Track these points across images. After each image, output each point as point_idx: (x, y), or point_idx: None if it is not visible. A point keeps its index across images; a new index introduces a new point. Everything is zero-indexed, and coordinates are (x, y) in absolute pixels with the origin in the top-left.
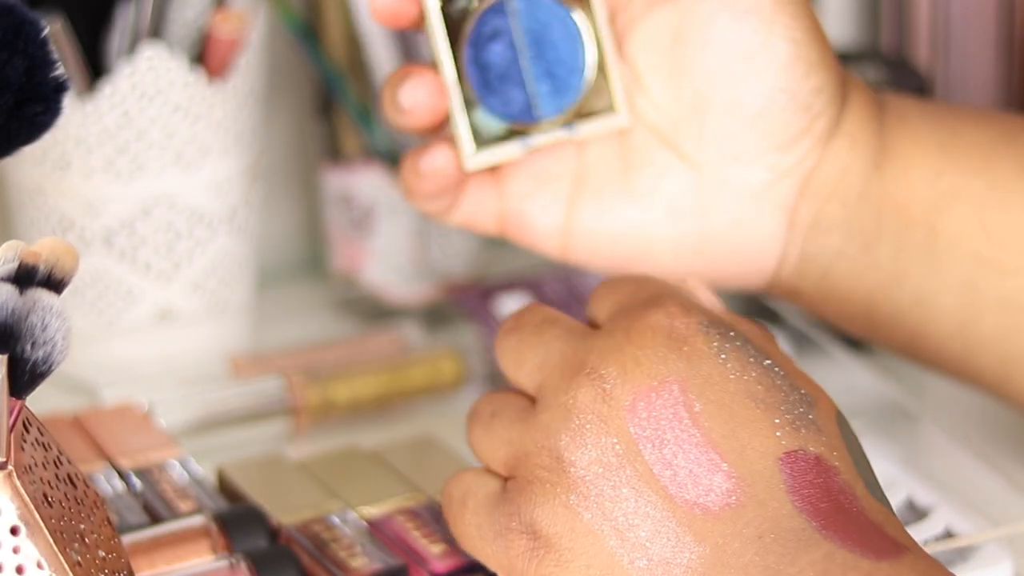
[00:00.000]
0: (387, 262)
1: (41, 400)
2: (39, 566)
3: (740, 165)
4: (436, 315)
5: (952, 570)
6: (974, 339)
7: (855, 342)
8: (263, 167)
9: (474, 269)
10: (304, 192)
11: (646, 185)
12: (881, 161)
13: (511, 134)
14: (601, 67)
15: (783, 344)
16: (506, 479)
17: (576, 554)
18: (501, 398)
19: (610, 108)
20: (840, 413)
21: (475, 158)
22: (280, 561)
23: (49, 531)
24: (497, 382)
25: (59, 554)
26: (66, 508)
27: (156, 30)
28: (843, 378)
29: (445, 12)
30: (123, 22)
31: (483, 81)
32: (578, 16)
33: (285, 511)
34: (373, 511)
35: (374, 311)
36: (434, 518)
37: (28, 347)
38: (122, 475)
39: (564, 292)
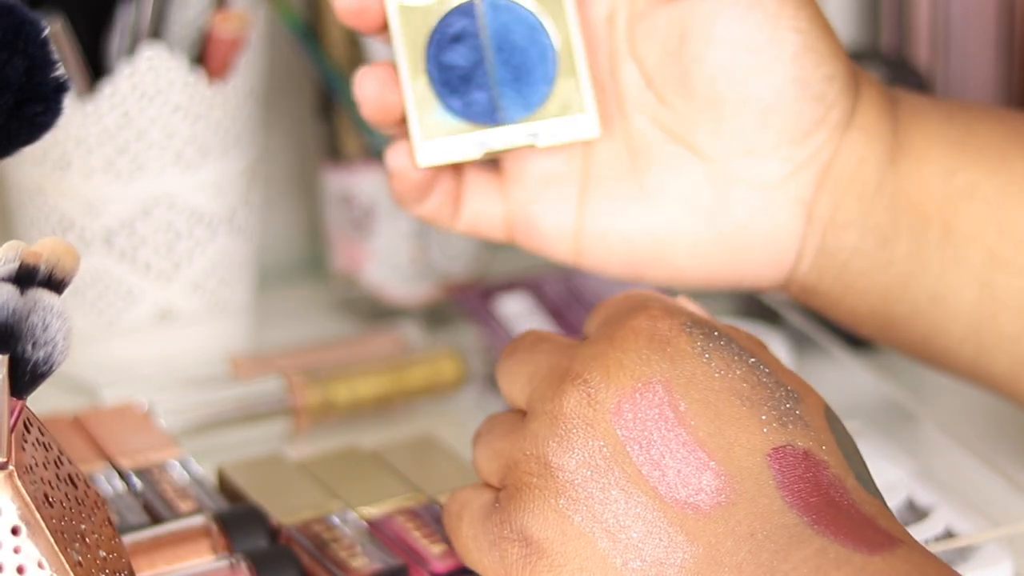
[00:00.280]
0: (387, 262)
1: (41, 400)
2: (40, 566)
3: (756, 158)
4: (436, 315)
5: None
6: (989, 339)
7: (855, 342)
8: (263, 167)
9: (474, 269)
10: (304, 192)
11: (660, 183)
12: (896, 156)
13: (470, 134)
14: (571, 75)
15: (783, 344)
16: (499, 490)
17: (568, 558)
18: (498, 416)
19: (580, 118)
20: (829, 408)
21: (427, 155)
22: (280, 561)
23: (50, 531)
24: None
25: (60, 554)
26: (67, 508)
27: (156, 30)
28: (843, 378)
29: (409, 10)
30: (123, 22)
31: (445, 81)
32: (548, 23)
33: (285, 511)
34: (373, 511)
35: (374, 311)
36: (434, 518)
37: (29, 347)
38: (122, 475)
39: (564, 292)
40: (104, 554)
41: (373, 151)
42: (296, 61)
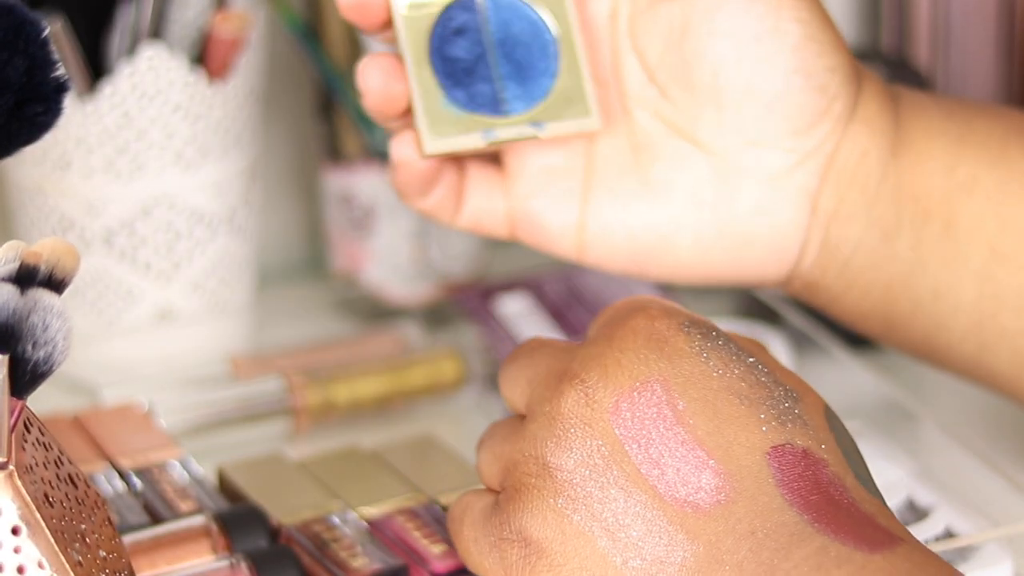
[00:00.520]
0: (387, 262)
1: (41, 400)
2: (40, 566)
3: (760, 150)
4: (436, 315)
5: None
6: (989, 336)
7: (855, 342)
8: (263, 167)
9: (474, 269)
10: (304, 192)
11: (663, 176)
12: (898, 149)
13: (475, 124)
14: (572, 70)
15: (783, 344)
16: (500, 493)
17: (568, 557)
18: (500, 421)
19: (581, 111)
20: (828, 407)
21: (432, 143)
22: (280, 561)
23: (50, 531)
24: (497, 382)
25: (60, 554)
26: (67, 508)
27: (156, 30)
28: (843, 378)
29: (413, 6)
30: (123, 22)
31: (448, 72)
32: (548, 17)
33: (285, 511)
34: (373, 511)
35: (374, 311)
36: (434, 518)
37: (29, 347)
38: (123, 475)
39: (564, 292)
40: (104, 554)
41: (373, 151)
42: (296, 61)
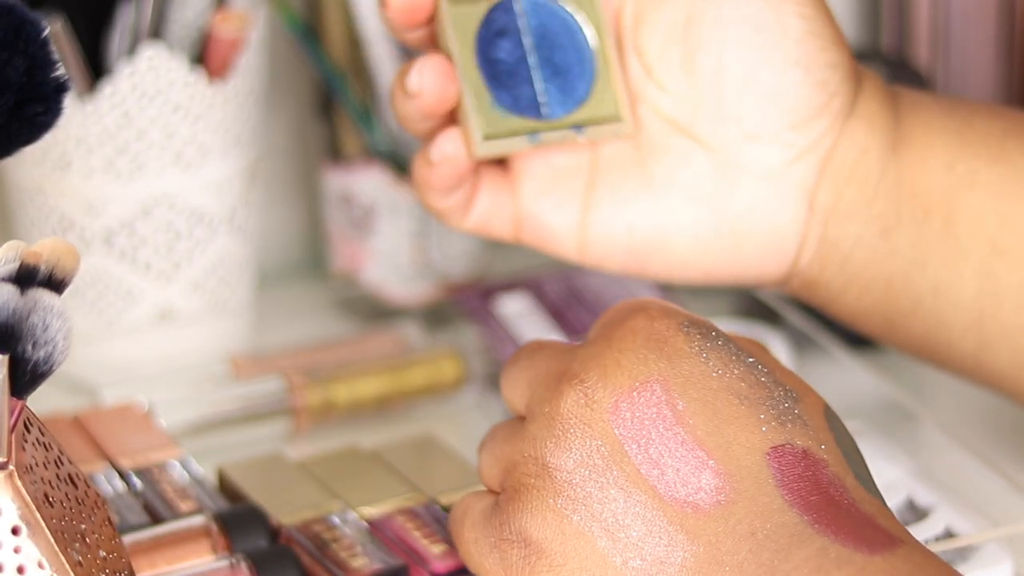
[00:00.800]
0: (387, 262)
1: (41, 400)
2: (40, 566)
3: (758, 145)
4: (436, 315)
5: None
6: (990, 333)
7: (855, 342)
8: (263, 167)
9: (474, 269)
10: (304, 192)
11: (663, 174)
12: (898, 146)
13: (521, 127)
14: (606, 75)
15: (783, 344)
16: (500, 494)
17: (568, 557)
18: (500, 424)
19: (614, 116)
20: (828, 407)
21: (484, 146)
22: (280, 561)
23: (50, 531)
24: (497, 382)
25: (60, 554)
26: (67, 508)
27: (156, 30)
28: (843, 378)
29: (456, 3)
30: (123, 22)
31: (492, 75)
32: (584, 23)
33: (285, 511)
34: (373, 511)
35: (374, 311)
36: (434, 518)
37: (29, 347)
38: (123, 475)
39: (564, 292)
40: (104, 554)
41: (373, 151)
42: (296, 61)
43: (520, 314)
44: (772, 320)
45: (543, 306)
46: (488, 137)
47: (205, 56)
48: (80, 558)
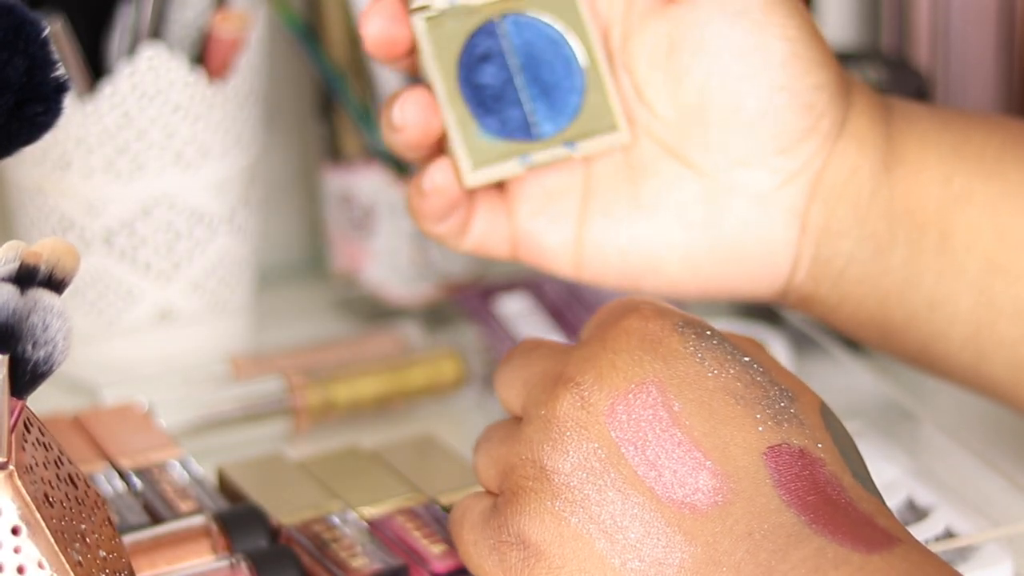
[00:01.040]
0: (387, 262)
1: (41, 400)
2: (40, 566)
3: (747, 169)
4: (436, 315)
5: None
6: (988, 345)
7: (855, 342)
8: (263, 167)
9: (474, 269)
10: (304, 192)
11: (654, 196)
12: (890, 162)
13: (511, 151)
14: (597, 85)
15: (783, 344)
16: (498, 496)
17: (567, 559)
18: (496, 424)
19: (610, 125)
20: (825, 405)
21: (474, 175)
22: (280, 561)
23: (50, 531)
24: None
25: (60, 554)
26: (67, 508)
27: (156, 30)
28: (843, 378)
29: (435, 33)
30: (123, 22)
31: (478, 100)
32: (570, 36)
33: (285, 511)
34: (373, 511)
35: (374, 311)
36: (434, 518)
37: (29, 347)
38: (122, 475)
39: (564, 292)
40: (104, 554)
41: (373, 151)
42: (296, 61)
43: (520, 314)
44: (772, 320)
45: (543, 306)
46: (477, 166)
47: (205, 56)
48: (80, 558)
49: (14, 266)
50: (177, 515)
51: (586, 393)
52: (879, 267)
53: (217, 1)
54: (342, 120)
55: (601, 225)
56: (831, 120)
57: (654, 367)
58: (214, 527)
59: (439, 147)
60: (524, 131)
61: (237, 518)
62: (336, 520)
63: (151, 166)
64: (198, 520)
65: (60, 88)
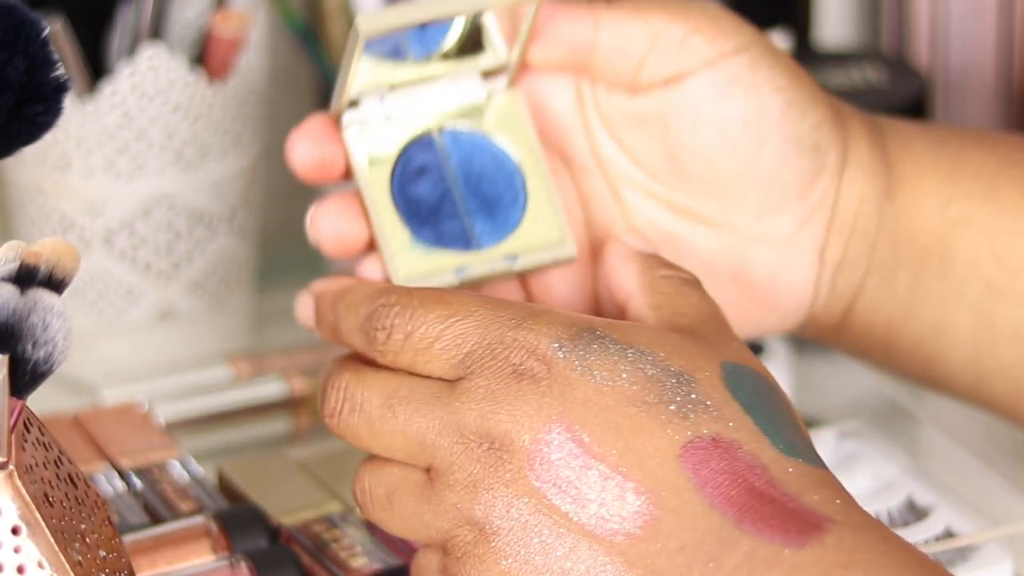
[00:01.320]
0: None
1: (41, 400)
2: (40, 566)
3: (767, 219)
4: None
5: (952, 570)
6: (988, 367)
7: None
8: (263, 167)
9: None
10: (304, 192)
11: (678, 254)
12: (892, 189)
13: (446, 262)
14: (541, 199)
15: (783, 343)
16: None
17: None
18: (385, 476)
19: (554, 240)
20: (727, 366)
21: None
22: (281, 561)
23: (50, 531)
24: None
25: (60, 554)
26: (67, 508)
27: (156, 30)
28: (843, 378)
29: (369, 144)
30: (123, 22)
31: (412, 212)
32: (511, 147)
33: (286, 511)
34: None
35: None
36: None
37: (29, 347)
38: (122, 475)
39: None
40: (104, 554)
41: None
42: (296, 61)
43: None
44: None
45: None
46: (408, 278)
47: (205, 56)
48: (80, 558)
49: (14, 266)
50: (177, 515)
51: (499, 452)
52: (885, 295)
53: (217, 1)
54: None
55: None
56: (836, 153)
57: (552, 405)
58: (214, 527)
59: (371, 245)
60: (463, 242)
61: (237, 518)
62: (336, 520)
63: (151, 166)
64: (198, 520)
65: (60, 88)
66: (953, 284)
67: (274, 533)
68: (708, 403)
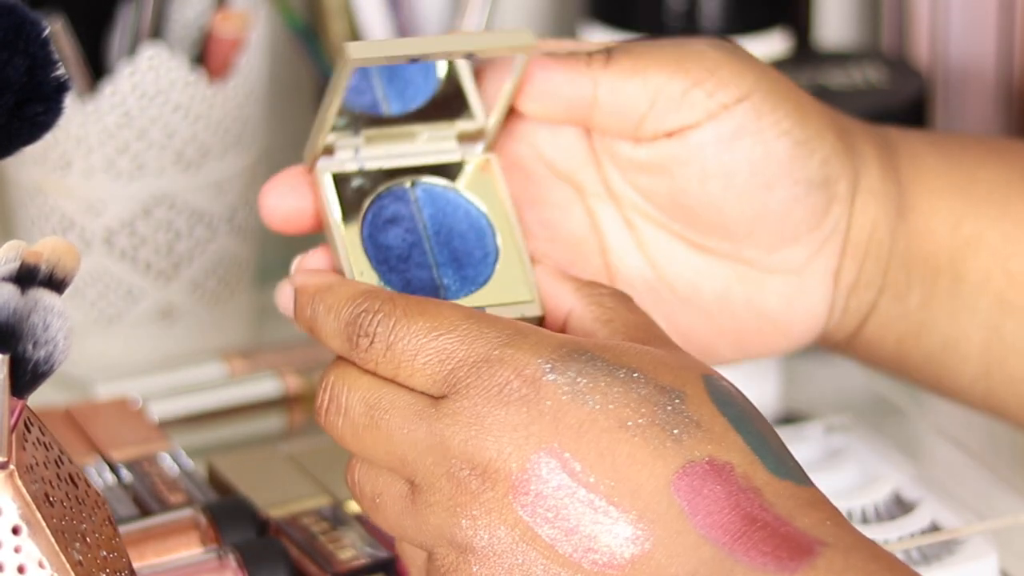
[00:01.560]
0: None
1: (35, 395)
2: (40, 565)
3: (781, 252)
4: None
5: (938, 564)
6: (998, 380)
7: None
8: (263, 167)
9: None
10: None
11: (694, 291)
12: (904, 210)
13: None
14: (511, 257)
15: None
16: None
17: None
18: (373, 477)
19: (521, 297)
20: (713, 383)
21: None
22: (269, 553)
23: (51, 530)
24: None
25: (60, 553)
26: (67, 508)
27: (157, 30)
28: (833, 373)
29: (340, 189)
30: (124, 22)
31: (381, 260)
32: (482, 204)
33: (274, 504)
34: None
35: None
36: None
37: (29, 347)
38: (112, 468)
39: None
40: (105, 553)
41: None
42: (296, 61)
43: None
44: None
45: None
46: None
47: (205, 56)
48: (80, 557)
49: (14, 266)
50: (166, 508)
51: (483, 480)
52: (897, 313)
53: (217, 1)
54: None
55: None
56: (847, 182)
57: (541, 433)
58: (202, 519)
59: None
60: (430, 292)
61: (226, 511)
62: (325, 513)
63: (151, 166)
64: (187, 512)
65: (60, 88)
66: (964, 301)
67: (263, 525)
68: (699, 422)
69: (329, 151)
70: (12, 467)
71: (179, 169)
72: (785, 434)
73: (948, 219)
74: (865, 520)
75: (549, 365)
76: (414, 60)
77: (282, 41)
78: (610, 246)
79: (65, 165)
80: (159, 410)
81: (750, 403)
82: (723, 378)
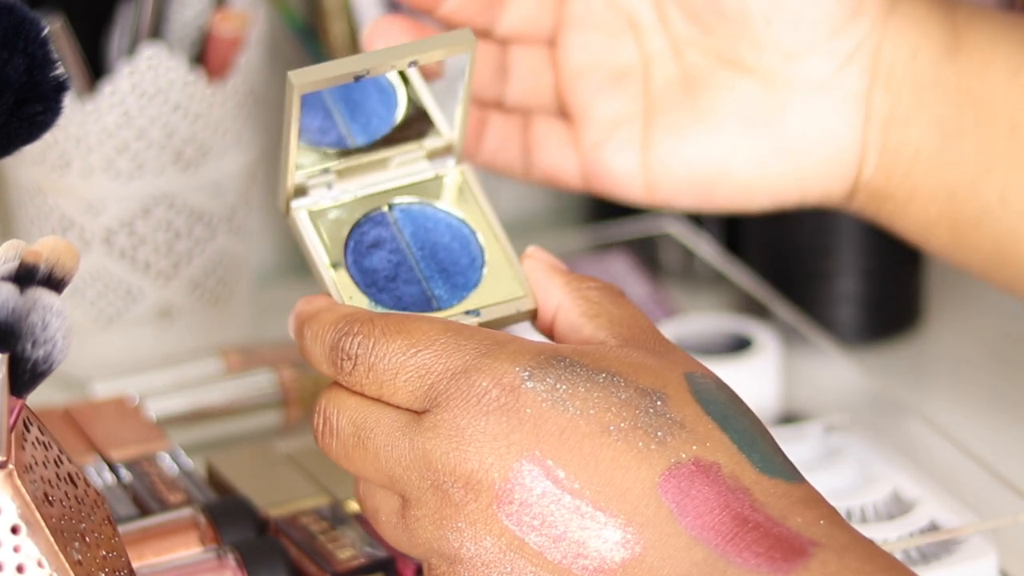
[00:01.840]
0: None
1: (33, 394)
2: (40, 565)
3: (801, 60)
4: None
5: (937, 563)
6: None
7: (845, 337)
8: (263, 167)
9: None
10: None
11: (713, 105)
12: (955, 52)
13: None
14: (497, 258)
15: (773, 339)
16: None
17: None
18: (372, 491)
19: (513, 293)
20: (695, 380)
21: None
22: (268, 553)
23: (50, 530)
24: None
25: (60, 553)
26: (67, 507)
27: (156, 30)
28: (832, 373)
29: (318, 224)
30: (123, 22)
31: (369, 283)
32: (462, 214)
33: (274, 503)
34: None
35: None
36: None
37: (29, 346)
38: (112, 467)
39: None
40: (104, 553)
41: None
42: (296, 61)
43: None
44: (762, 315)
45: None
46: None
47: (205, 56)
48: (80, 557)
49: (14, 265)
50: (166, 507)
51: (467, 491)
52: (948, 158)
53: (216, 1)
54: None
55: (666, 144)
56: None
57: (522, 441)
58: (202, 519)
59: None
60: (422, 305)
61: (225, 510)
62: (324, 512)
63: (151, 166)
64: (186, 512)
65: (60, 87)
66: (1023, 151)
67: (262, 525)
68: (683, 423)
69: (302, 192)
70: (11, 466)
71: (178, 169)
72: (785, 434)
73: (1006, 67)
74: (864, 519)
75: (527, 373)
76: (359, 77)
77: (282, 41)
78: (655, 74)
79: (64, 165)
80: (156, 407)
81: (737, 398)
82: (708, 373)
